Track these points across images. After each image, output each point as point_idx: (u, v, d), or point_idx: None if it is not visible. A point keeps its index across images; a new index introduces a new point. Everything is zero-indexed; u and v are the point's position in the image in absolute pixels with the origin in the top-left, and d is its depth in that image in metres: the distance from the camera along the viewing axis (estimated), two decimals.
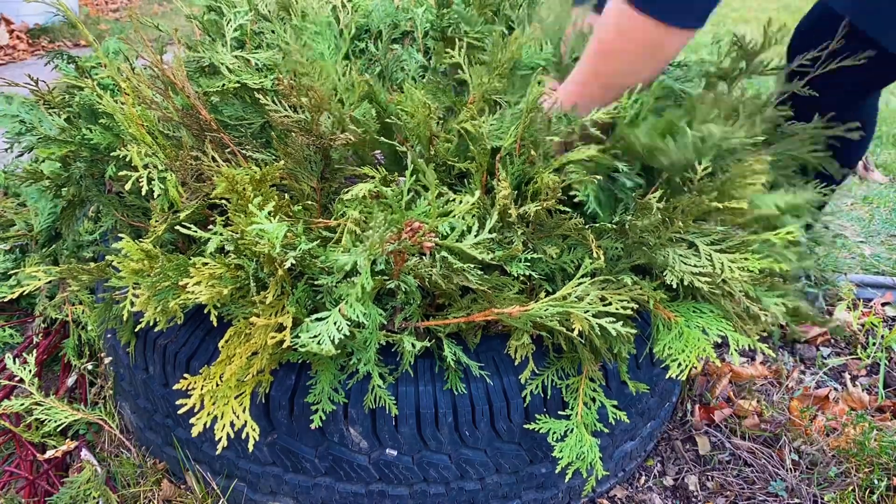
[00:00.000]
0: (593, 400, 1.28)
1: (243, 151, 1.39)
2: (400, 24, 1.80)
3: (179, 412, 1.14)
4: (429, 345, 1.23)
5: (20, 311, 2.05)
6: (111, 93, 1.80)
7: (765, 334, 1.30)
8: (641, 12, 1.14)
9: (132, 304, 1.19)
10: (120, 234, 1.13)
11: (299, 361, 1.25)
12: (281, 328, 1.08)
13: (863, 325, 2.12)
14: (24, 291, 1.23)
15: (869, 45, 1.43)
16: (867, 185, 3.14)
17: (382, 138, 1.35)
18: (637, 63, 1.23)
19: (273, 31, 1.64)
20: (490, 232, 1.14)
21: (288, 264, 1.06)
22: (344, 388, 1.22)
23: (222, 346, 1.13)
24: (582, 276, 1.17)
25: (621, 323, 1.10)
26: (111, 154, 1.40)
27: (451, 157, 1.32)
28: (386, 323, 1.20)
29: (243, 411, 1.15)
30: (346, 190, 1.25)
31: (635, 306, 1.17)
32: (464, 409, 1.23)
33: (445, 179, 1.35)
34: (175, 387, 1.15)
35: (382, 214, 1.05)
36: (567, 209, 1.24)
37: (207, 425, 1.13)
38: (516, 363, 1.26)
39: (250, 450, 1.18)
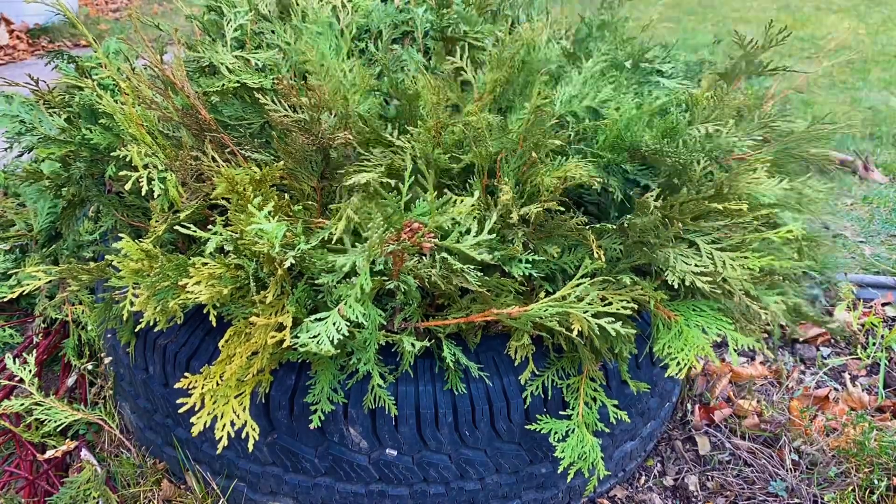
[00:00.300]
0: (594, 399, 1.28)
1: (243, 151, 1.39)
2: (400, 24, 1.80)
3: (180, 412, 1.14)
4: (429, 345, 1.23)
5: (20, 311, 2.05)
6: (111, 93, 1.80)
7: (765, 335, 1.31)
8: None
9: (132, 303, 1.19)
10: (120, 234, 1.13)
11: (299, 361, 1.24)
12: (281, 328, 1.08)
13: (863, 325, 2.12)
14: (23, 291, 1.23)
15: None
16: (867, 185, 3.14)
17: (385, 135, 1.35)
18: None
19: (273, 32, 1.64)
20: (490, 233, 1.14)
21: (287, 264, 1.06)
22: (344, 388, 1.22)
23: (222, 346, 1.13)
24: (582, 277, 1.17)
25: (621, 323, 1.10)
26: (111, 154, 1.40)
27: (455, 150, 1.31)
28: (386, 323, 1.20)
29: (243, 411, 1.15)
30: (349, 174, 1.24)
31: (635, 306, 1.17)
32: (464, 409, 1.23)
33: (445, 181, 1.35)
34: (176, 386, 1.15)
35: (381, 215, 1.05)
36: (562, 209, 1.24)
37: (207, 425, 1.13)
38: (516, 363, 1.26)
39: (250, 450, 1.18)
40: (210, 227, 1.17)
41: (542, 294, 1.21)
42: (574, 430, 1.24)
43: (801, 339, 2.10)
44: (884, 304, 2.26)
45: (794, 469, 1.63)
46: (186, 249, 1.42)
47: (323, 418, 1.19)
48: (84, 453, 1.56)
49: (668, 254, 1.19)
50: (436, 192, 1.14)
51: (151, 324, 1.14)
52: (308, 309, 1.15)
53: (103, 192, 1.55)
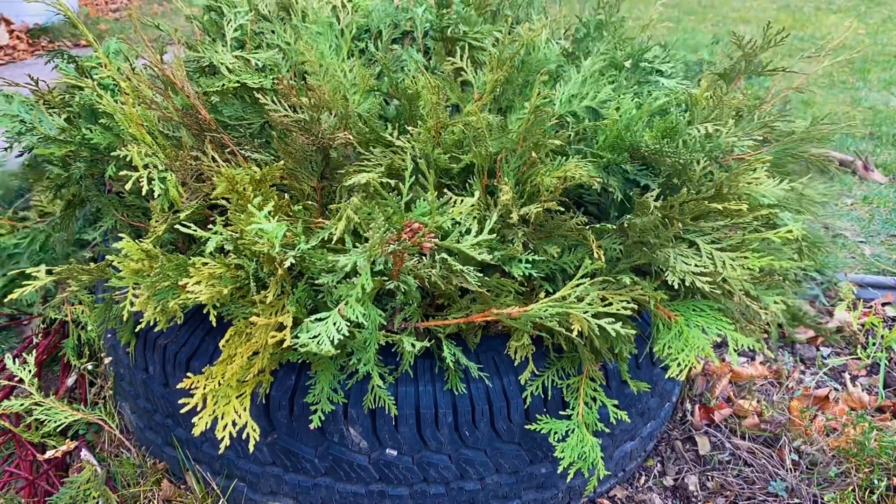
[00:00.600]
0: (594, 399, 1.28)
1: (243, 151, 1.39)
2: (400, 24, 1.80)
3: (180, 412, 1.14)
4: (428, 345, 1.23)
5: (20, 311, 2.05)
6: (111, 93, 1.80)
7: (765, 335, 1.31)
8: None
9: (132, 304, 1.19)
10: (120, 234, 1.13)
11: (299, 361, 1.24)
12: (281, 328, 1.08)
13: (863, 325, 2.12)
14: (23, 291, 1.23)
15: None
16: (867, 185, 3.14)
17: (385, 135, 1.35)
18: None
19: (273, 32, 1.64)
20: (490, 233, 1.14)
21: (287, 264, 1.06)
22: (344, 388, 1.22)
23: (223, 346, 1.13)
24: (582, 277, 1.17)
25: (621, 323, 1.10)
26: (111, 154, 1.40)
27: (455, 150, 1.31)
28: (386, 323, 1.20)
29: (244, 411, 1.15)
30: (349, 174, 1.24)
31: (635, 307, 1.18)
32: (464, 409, 1.23)
33: (445, 181, 1.35)
34: (178, 386, 1.15)
35: (382, 215, 1.05)
36: (562, 210, 1.24)
37: (209, 425, 1.13)
38: (516, 363, 1.26)
39: (250, 450, 1.18)
40: (210, 226, 1.18)
41: (542, 294, 1.21)
42: (574, 430, 1.24)
43: (800, 342, 2.10)
44: (884, 304, 2.26)
45: (794, 469, 1.63)
46: (186, 249, 1.42)
47: (323, 418, 1.19)
48: (84, 453, 1.56)
49: (668, 254, 1.19)
50: (436, 192, 1.14)
51: (151, 324, 1.14)
52: (308, 309, 1.15)
53: (103, 192, 1.55)
